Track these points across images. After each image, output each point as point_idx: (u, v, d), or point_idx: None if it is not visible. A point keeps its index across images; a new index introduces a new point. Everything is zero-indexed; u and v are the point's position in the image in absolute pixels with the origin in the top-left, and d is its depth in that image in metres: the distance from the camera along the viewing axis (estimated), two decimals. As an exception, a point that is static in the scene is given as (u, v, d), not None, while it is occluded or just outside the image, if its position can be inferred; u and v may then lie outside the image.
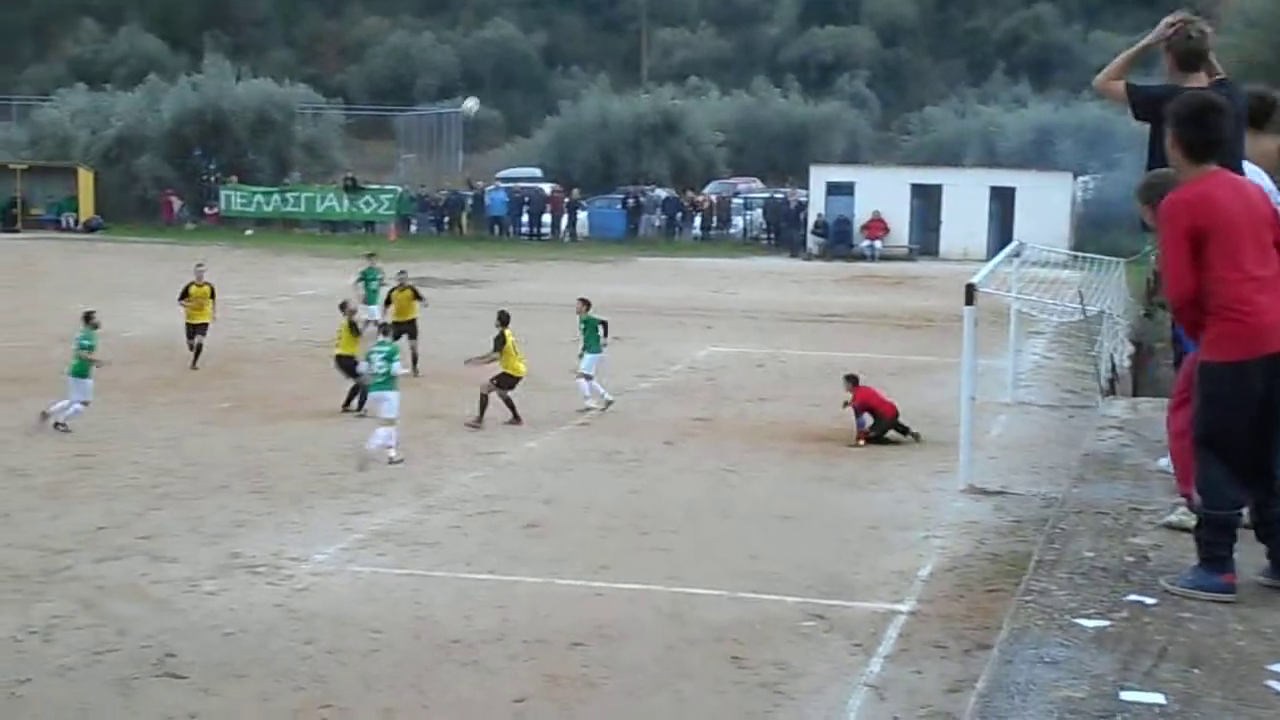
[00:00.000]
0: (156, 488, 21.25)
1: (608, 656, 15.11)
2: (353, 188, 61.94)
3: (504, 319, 26.12)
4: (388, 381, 23.53)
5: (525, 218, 61.97)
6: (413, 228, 62.16)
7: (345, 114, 72.56)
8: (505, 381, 25.78)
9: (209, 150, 65.03)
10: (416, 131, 75.30)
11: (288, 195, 62.44)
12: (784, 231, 59.49)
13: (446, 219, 62.46)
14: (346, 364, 26.92)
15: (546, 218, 61.81)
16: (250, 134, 64.81)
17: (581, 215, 61.48)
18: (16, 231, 59.18)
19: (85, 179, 61.63)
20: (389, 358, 23.79)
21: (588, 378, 27.30)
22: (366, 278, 33.97)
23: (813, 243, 57.61)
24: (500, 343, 25.79)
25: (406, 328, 29.90)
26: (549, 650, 15.28)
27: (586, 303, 28.36)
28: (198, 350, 31.08)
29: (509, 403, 25.77)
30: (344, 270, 48.71)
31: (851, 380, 25.15)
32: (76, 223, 60.35)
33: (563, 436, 25.38)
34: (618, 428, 25.58)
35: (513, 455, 23.79)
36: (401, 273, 31.55)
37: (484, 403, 25.59)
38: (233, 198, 62.35)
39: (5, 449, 23.09)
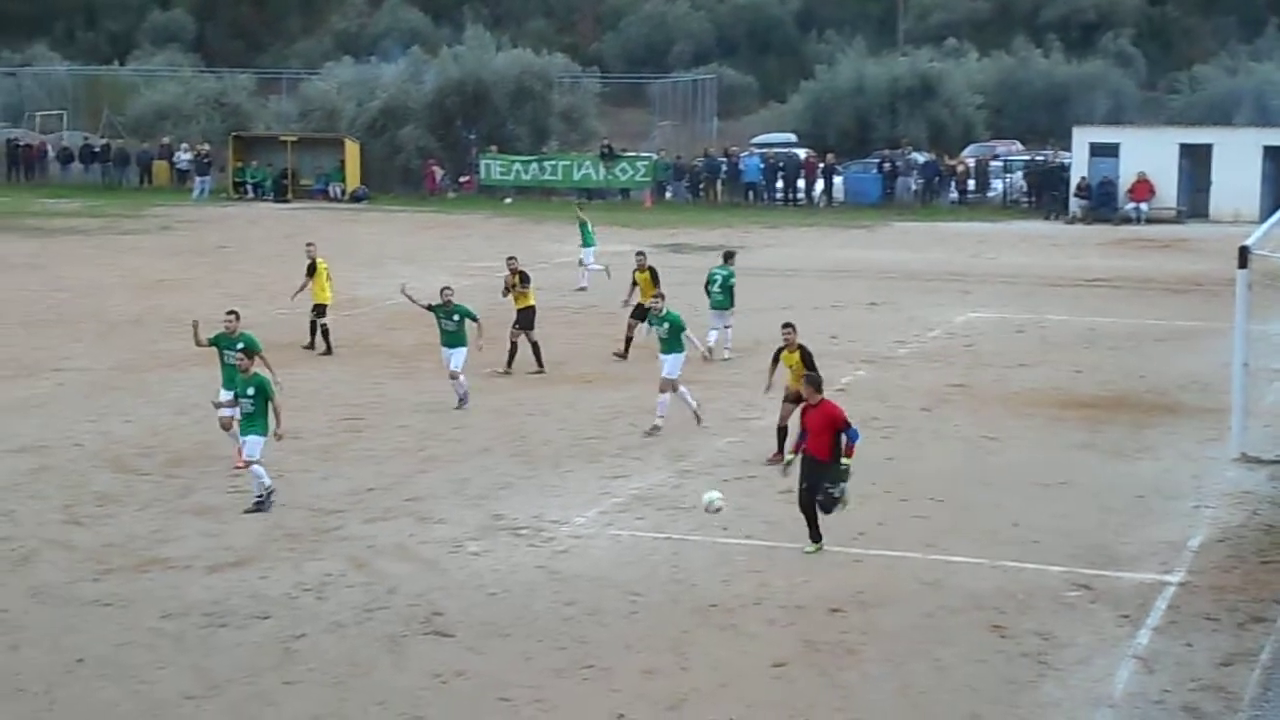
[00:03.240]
0: (422, 451, 21.77)
1: (866, 623, 15.02)
2: (609, 155, 62.43)
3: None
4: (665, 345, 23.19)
5: (780, 184, 61.76)
6: (668, 194, 62.39)
7: (601, 82, 73.01)
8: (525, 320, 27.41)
9: (469, 120, 66.13)
10: (671, 99, 75.46)
11: (545, 164, 63.20)
12: (1045, 195, 58.17)
13: (701, 186, 62.59)
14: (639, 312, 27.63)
15: (801, 183, 61.49)
16: (509, 104, 65.68)
17: (837, 180, 60.95)
18: (287, 202, 61.01)
19: (351, 150, 63.20)
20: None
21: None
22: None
23: (1075, 206, 56.20)
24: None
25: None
26: (807, 616, 15.26)
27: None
28: (323, 331, 29.41)
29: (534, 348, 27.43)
30: (599, 237, 49.26)
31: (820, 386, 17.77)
32: (343, 193, 61.91)
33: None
34: (875, 393, 25.34)
35: (768, 421, 23.72)
36: (640, 254, 30.37)
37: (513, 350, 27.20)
38: (492, 167, 63.34)
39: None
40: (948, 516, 18.57)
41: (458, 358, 24.48)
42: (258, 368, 19.37)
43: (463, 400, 24.41)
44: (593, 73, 74.67)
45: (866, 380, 26.60)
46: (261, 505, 18.52)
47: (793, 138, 69.32)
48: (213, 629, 14.73)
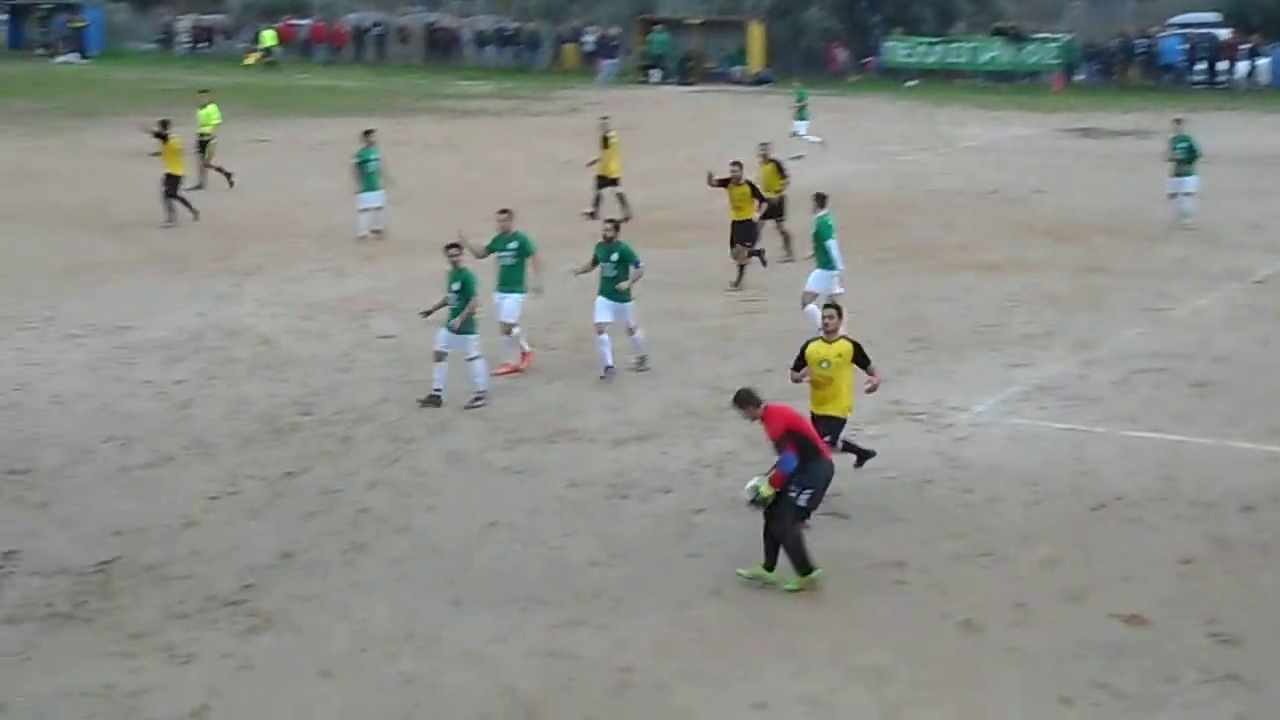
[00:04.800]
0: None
1: (1281, 523, 14.42)
2: (1016, 37, 60.79)
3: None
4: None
5: (1200, 65, 59.01)
6: (1078, 77, 60.40)
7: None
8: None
9: (874, 2, 65.31)
10: (1084, -23, 72.86)
11: (951, 46, 62.04)
12: None
13: (1115, 68, 60.35)
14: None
15: (1223, 65, 58.59)
16: (916, -16, 64.63)
17: (1262, 62, 57.85)
18: (691, 84, 61.64)
19: (755, 32, 63.30)
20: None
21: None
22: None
23: None
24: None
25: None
26: (1218, 513, 14.74)
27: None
28: (619, 199, 29.82)
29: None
30: (1003, 122, 48.16)
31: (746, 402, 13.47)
32: (746, 75, 62.18)
33: (1241, 292, 24.18)
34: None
35: (1181, 312, 22.90)
36: (763, 144, 28.00)
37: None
38: (896, 49, 62.52)
39: (675, 291, 24.17)
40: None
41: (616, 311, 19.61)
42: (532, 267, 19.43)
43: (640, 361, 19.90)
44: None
45: (1288, 273, 25.34)
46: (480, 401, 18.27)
47: (1215, 17, 66.00)
48: (616, 500, 15.17)
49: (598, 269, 19.76)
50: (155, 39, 74.05)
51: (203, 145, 33.72)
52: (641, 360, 19.76)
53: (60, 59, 70.55)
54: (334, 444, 16.84)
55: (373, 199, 28.28)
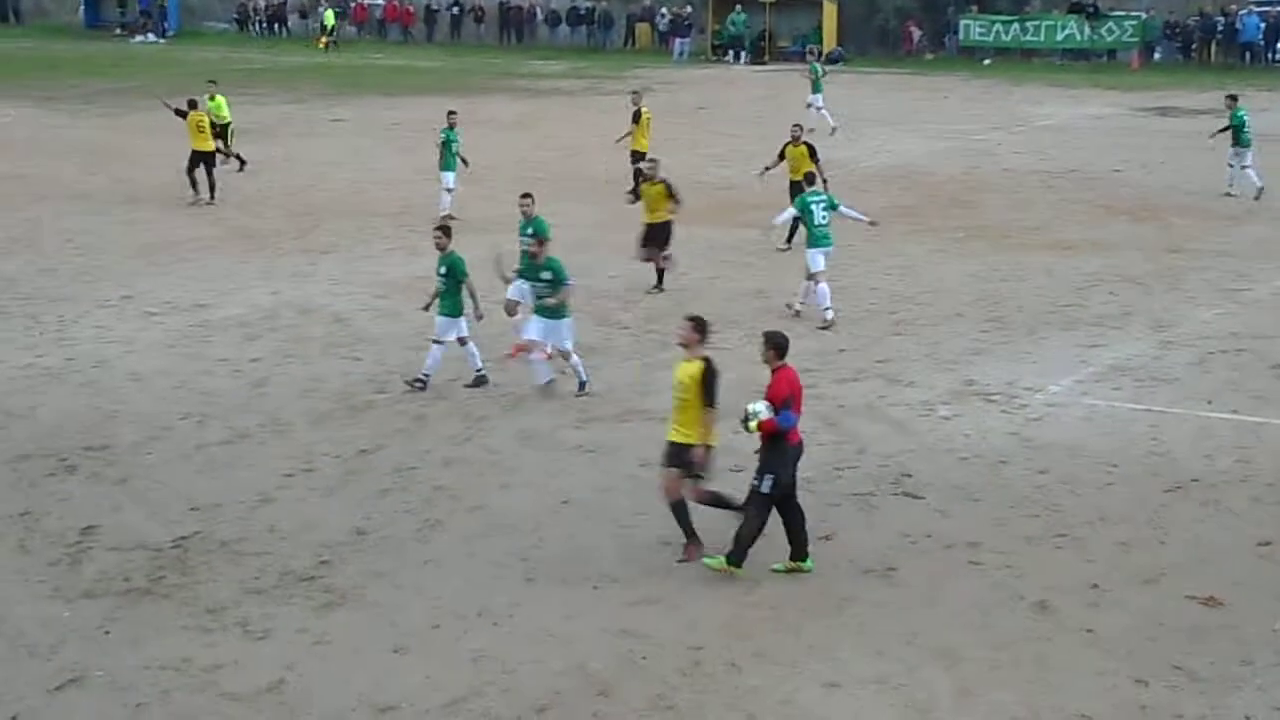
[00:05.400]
0: (894, 313, 21.70)
1: (1363, 507, 14.24)
2: (1093, 14, 60.16)
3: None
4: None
5: (1280, 44, 58.26)
6: (1155, 55, 59.70)
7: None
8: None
9: (950, -21, 64.87)
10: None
11: (1027, 24, 61.42)
12: None
13: (1194, 46, 59.61)
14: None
15: (1305, 44, 57.81)
16: (991, -38, 64.03)
17: (1345, 41, 57.08)
18: (764, 64, 61.37)
19: (829, 11, 62.91)
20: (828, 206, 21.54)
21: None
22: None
23: None
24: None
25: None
26: (1298, 496, 14.58)
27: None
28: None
29: None
30: (1080, 101, 47.70)
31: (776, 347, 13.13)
32: (819, 54, 61.82)
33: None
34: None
35: (1260, 292, 22.64)
36: (795, 126, 26.95)
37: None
38: (971, 27, 61.96)
39: (751, 270, 24.13)
40: None
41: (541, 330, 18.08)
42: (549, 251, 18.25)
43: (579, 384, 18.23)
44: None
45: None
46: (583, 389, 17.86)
47: (1296, -6, 65.02)
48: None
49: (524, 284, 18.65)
50: (231, 18, 74.55)
51: (223, 132, 33.49)
52: (581, 386, 17.93)
53: (138, 39, 71.18)
54: (408, 422, 16.93)
55: (448, 179, 28.41)
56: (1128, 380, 18.36)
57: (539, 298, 18.07)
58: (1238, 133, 30.41)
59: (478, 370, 18.21)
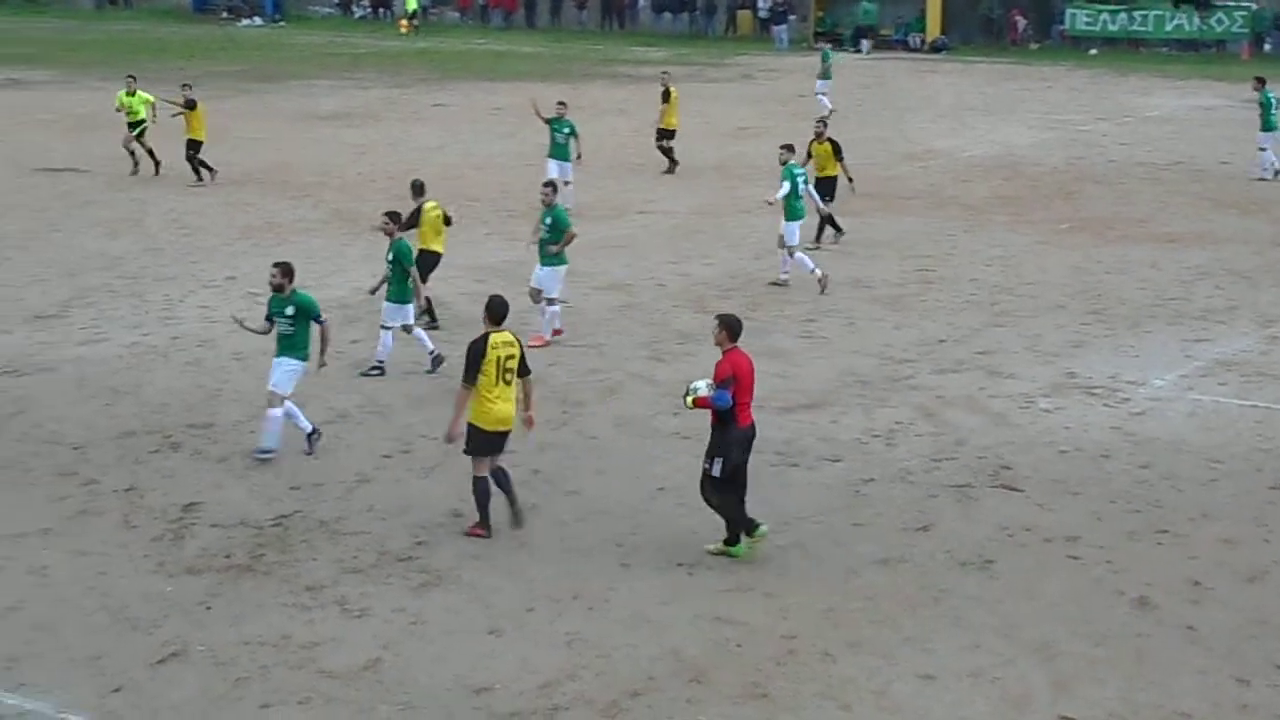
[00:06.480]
0: (995, 305, 21.51)
1: None
2: (1203, 5, 59.26)
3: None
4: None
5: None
6: (1266, 47, 58.72)
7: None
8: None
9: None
10: (1276, -57, 70.68)
11: (1135, 14, 60.60)
12: None
13: (1303, 37, 58.63)
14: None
15: None
16: (1098, -49, 63.22)
17: None
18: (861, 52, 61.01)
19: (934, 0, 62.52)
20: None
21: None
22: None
23: None
24: None
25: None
26: (1406, 496, 14.30)
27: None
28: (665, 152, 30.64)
29: None
30: (1188, 92, 47.03)
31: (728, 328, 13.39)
32: (923, 43, 61.33)
33: None
34: None
35: (1371, 289, 22.24)
36: (819, 121, 26.76)
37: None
38: (1078, 17, 61.26)
39: (849, 259, 24.05)
40: None
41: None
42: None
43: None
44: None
45: None
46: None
47: None
48: (784, 467, 15.11)
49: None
50: (335, 3, 75.14)
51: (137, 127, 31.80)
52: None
53: (243, 23, 71.92)
54: (505, 405, 16.96)
55: (553, 168, 28.35)
56: (1233, 376, 18.09)
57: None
58: (1266, 114, 31.22)
59: (431, 353, 18.34)
